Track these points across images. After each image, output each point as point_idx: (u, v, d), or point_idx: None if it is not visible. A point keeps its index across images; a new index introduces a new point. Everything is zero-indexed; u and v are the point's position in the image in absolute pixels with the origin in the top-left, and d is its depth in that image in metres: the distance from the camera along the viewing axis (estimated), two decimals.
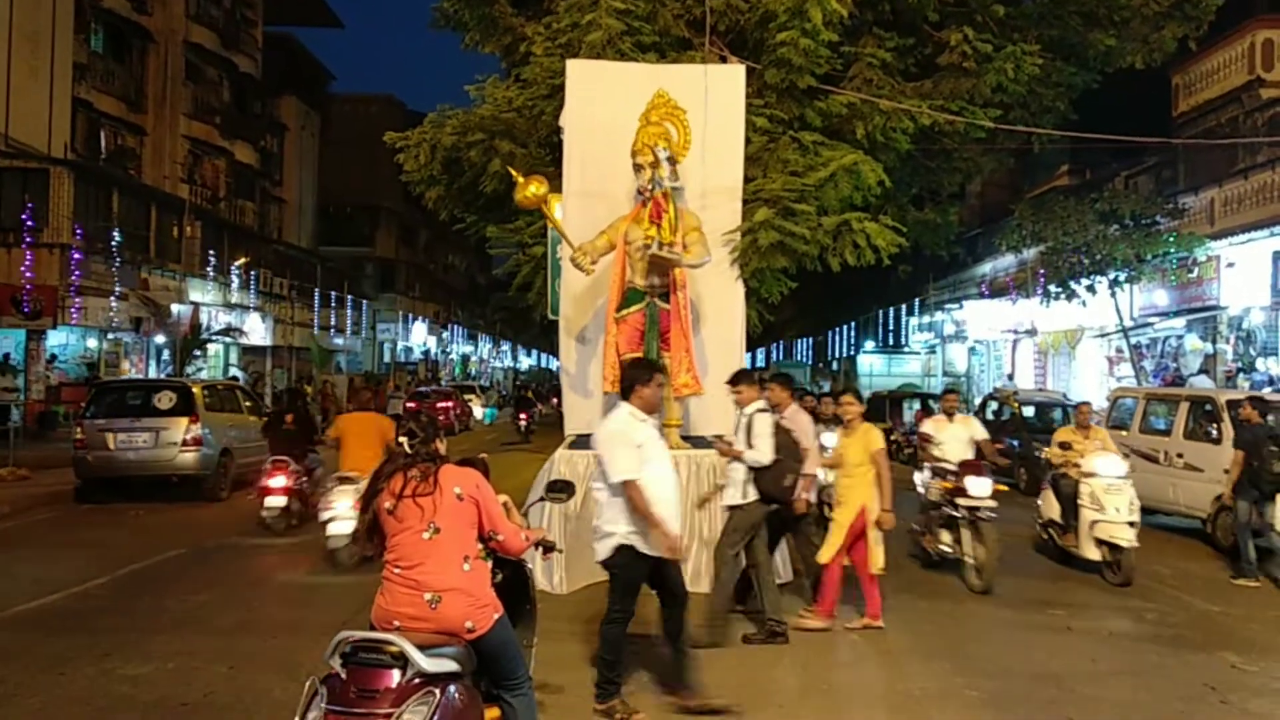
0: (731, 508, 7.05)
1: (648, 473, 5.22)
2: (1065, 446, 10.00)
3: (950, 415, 9.85)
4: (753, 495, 6.87)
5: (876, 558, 7.33)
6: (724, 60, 10.90)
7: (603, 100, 9.59)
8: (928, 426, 10.17)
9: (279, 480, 10.91)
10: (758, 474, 6.84)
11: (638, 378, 5.49)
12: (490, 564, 4.16)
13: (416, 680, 3.41)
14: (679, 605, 5.52)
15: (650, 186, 8.70)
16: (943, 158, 14.15)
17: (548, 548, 4.70)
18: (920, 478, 10.28)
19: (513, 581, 4.47)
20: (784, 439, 6.93)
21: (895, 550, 10.84)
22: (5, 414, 17.42)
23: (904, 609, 8.07)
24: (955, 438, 9.46)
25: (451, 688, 3.50)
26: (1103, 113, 15.19)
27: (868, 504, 7.26)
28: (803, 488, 7.22)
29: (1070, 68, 12.94)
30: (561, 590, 8.28)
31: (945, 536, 9.26)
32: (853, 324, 43.94)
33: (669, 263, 8.54)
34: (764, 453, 6.76)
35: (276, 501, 10.88)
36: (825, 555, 7.30)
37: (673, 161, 8.85)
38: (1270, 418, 10.05)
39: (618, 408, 5.54)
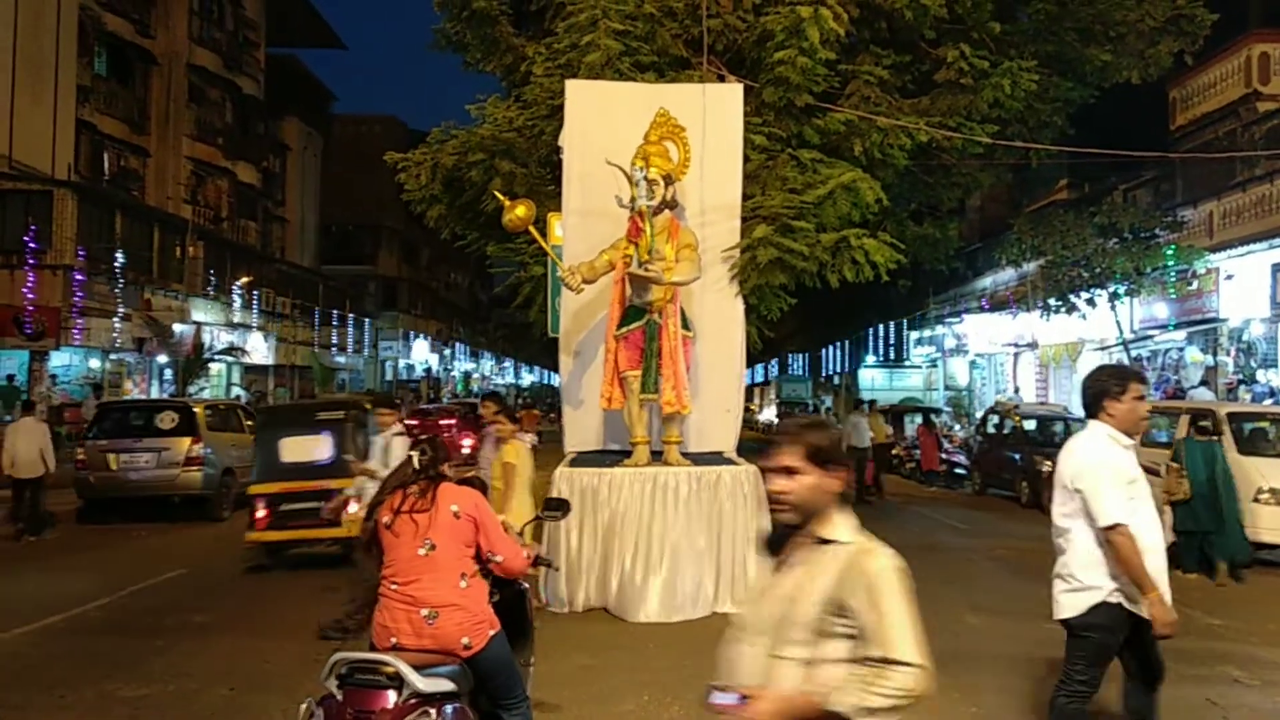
0: None
1: (1137, 517, 4.12)
2: None
3: None
4: None
5: None
6: (722, 79, 10.98)
7: (602, 120, 9.67)
8: None
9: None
10: None
11: (1106, 389, 4.23)
12: (488, 583, 4.18)
13: (413, 701, 3.43)
14: (1156, 682, 4.46)
15: (629, 206, 8.77)
16: (941, 173, 14.22)
17: (545, 565, 4.72)
18: None
19: (510, 602, 4.48)
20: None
21: None
22: None
23: None
24: None
25: (448, 708, 3.52)
26: (1100, 127, 15.25)
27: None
28: None
29: (1067, 83, 13.02)
30: (561, 610, 8.28)
31: None
32: (854, 338, 43.99)
33: (646, 281, 8.57)
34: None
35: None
36: None
37: (670, 180, 8.88)
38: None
39: (1088, 428, 4.34)
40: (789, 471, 2.47)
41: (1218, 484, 10.17)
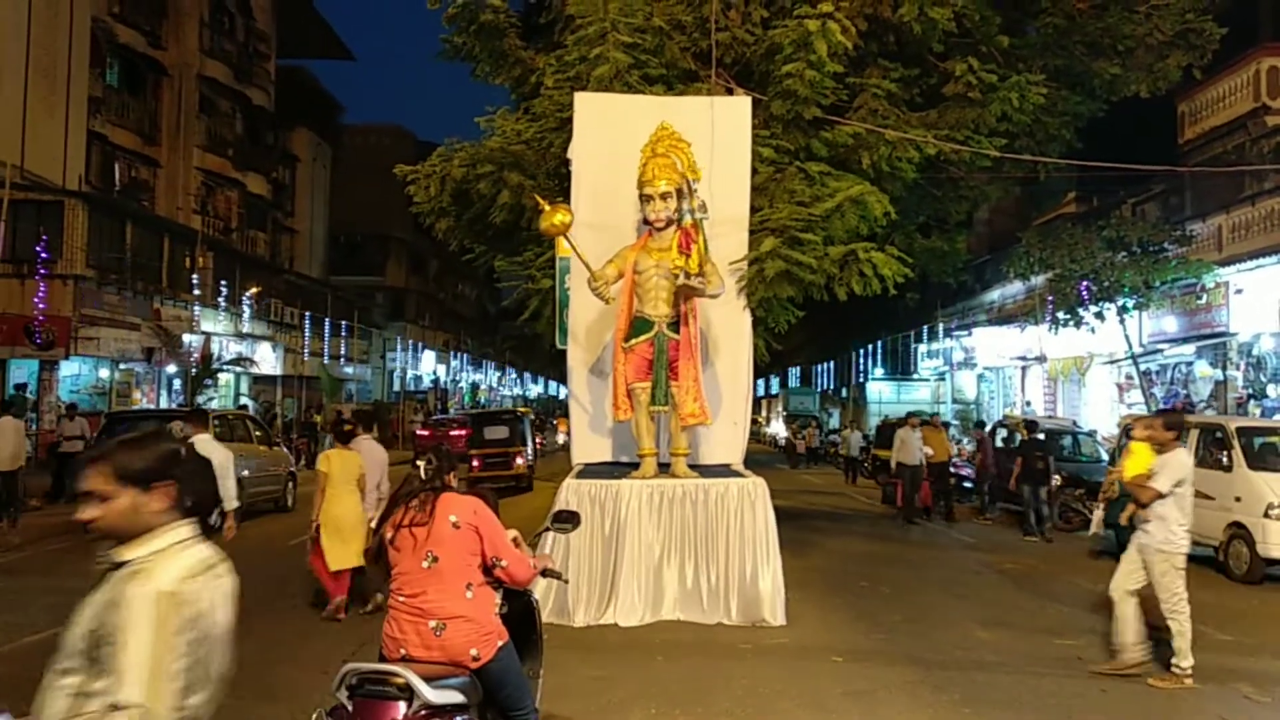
0: None
1: None
2: None
3: None
4: None
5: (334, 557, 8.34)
6: (730, 92, 11.02)
7: (610, 132, 9.71)
8: None
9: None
10: None
11: None
12: (499, 593, 4.17)
13: (422, 712, 3.43)
14: None
15: (678, 217, 8.75)
16: (949, 186, 14.22)
17: (554, 577, 4.72)
18: None
19: (519, 613, 4.48)
20: (200, 464, 7.86)
21: (878, 577, 10.80)
22: (69, 461, 16.84)
23: (913, 638, 8.04)
24: None
25: (457, 719, 3.51)
26: (1109, 140, 15.24)
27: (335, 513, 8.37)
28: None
29: (1075, 96, 13.02)
30: (568, 621, 8.28)
31: None
32: (862, 351, 43.97)
33: (695, 293, 8.60)
34: None
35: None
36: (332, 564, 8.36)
37: (682, 194, 8.89)
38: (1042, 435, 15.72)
39: None
40: (97, 497, 2.23)
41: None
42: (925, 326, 34.69)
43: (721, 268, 9.43)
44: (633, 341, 8.81)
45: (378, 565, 4.02)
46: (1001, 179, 14.95)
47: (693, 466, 9.10)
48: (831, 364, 50.93)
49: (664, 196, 8.77)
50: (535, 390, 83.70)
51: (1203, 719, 6.14)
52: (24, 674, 6.85)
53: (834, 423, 39.02)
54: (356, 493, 8.49)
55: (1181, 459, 7.00)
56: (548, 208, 8.55)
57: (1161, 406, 19.52)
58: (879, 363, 42.02)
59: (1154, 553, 6.96)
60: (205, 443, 8.34)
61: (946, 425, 26.70)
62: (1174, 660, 6.85)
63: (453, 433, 30.57)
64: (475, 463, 20.16)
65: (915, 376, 36.27)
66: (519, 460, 20.48)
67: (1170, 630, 6.90)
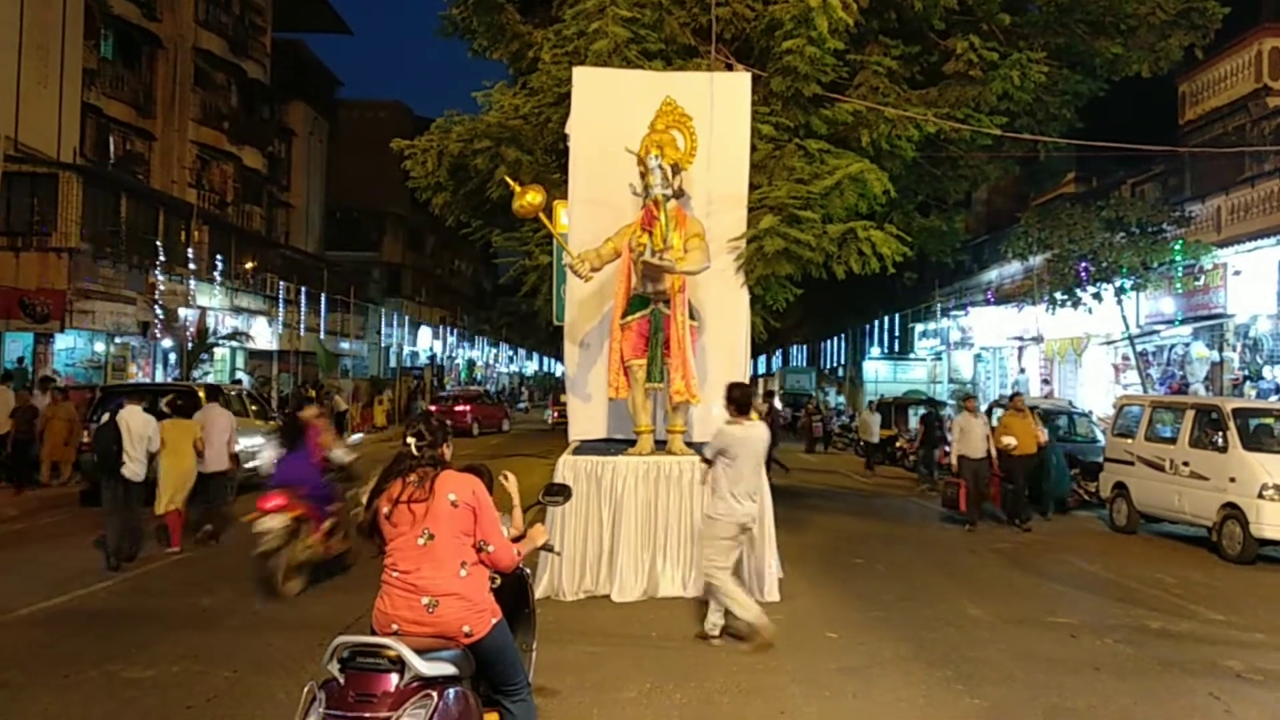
0: None
1: None
2: None
3: None
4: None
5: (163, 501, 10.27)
6: (730, 68, 10.94)
7: (608, 108, 9.64)
8: None
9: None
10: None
11: None
12: (490, 570, 4.17)
13: (414, 684, 3.43)
14: None
15: (644, 194, 8.74)
16: (949, 165, 14.15)
17: (547, 549, 4.72)
18: None
19: (512, 587, 4.48)
20: (107, 431, 9.88)
21: (873, 555, 10.83)
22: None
23: (907, 615, 8.08)
24: None
25: (449, 691, 3.51)
26: (1109, 120, 15.15)
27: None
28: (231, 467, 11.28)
29: (1076, 76, 12.94)
30: (562, 596, 8.30)
31: None
32: (859, 330, 43.94)
33: (660, 270, 8.56)
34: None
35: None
36: (160, 508, 10.30)
37: (677, 169, 8.87)
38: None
39: None
40: None
41: (1049, 455, 14.39)
42: (923, 306, 34.65)
43: (720, 245, 9.40)
44: (629, 318, 8.79)
45: (370, 539, 3.97)
46: (1001, 158, 14.88)
47: (689, 444, 9.10)
48: (828, 343, 50.92)
49: (667, 172, 8.73)
50: (532, 367, 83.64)
51: (1194, 698, 6.17)
52: (20, 643, 6.89)
53: (830, 401, 38.95)
54: (192, 453, 10.53)
55: (731, 431, 7.05)
56: (518, 188, 8.51)
57: (1157, 387, 19.56)
58: (876, 342, 42.01)
59: (704, 517, 7.30)
60: (131, 412, 10.05)
61: (942, 404, 26.67)
62: (722, 620, 7.07)
63: (456, 409, 30.88)
64: (554, 413, 33.10)
65: (912, 356, 36.26)
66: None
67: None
